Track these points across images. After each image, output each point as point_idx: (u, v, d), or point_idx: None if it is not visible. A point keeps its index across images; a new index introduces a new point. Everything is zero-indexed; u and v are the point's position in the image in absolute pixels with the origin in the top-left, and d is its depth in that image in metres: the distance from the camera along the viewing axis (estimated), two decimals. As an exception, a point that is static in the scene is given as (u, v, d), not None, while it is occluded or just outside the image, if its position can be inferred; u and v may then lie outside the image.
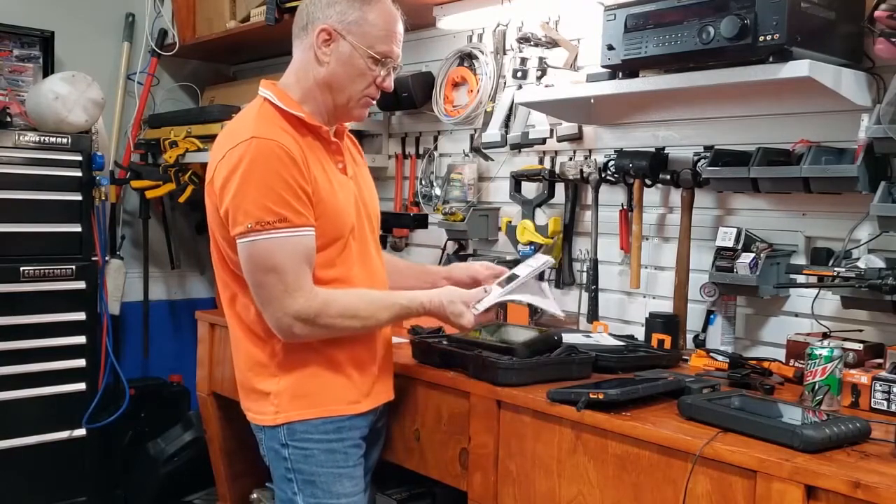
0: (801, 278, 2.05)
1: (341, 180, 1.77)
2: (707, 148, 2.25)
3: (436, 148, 3.11)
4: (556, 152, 2.72)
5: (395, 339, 2.28)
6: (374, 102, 1.83)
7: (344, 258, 1.75)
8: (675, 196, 2.37)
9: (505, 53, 2.80)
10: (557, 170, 2.64)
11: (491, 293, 1.82)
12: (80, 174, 3.09)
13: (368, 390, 1.80)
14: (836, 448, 1.44)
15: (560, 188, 2.67)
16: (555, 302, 1.96)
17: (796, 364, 1.96)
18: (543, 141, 2.66)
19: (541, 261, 1.95)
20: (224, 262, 1.74)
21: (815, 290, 2.05)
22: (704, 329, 2.26)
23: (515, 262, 2.19)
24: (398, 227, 3.06)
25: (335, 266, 1.73)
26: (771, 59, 1.86)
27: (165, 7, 3.74)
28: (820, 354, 1.72)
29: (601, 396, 1.65)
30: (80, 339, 3.10)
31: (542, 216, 2.70)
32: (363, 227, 1.81)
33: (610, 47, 2.13)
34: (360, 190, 1.83)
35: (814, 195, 2.03)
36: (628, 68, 2.15)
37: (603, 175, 2.49)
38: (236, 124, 1.73)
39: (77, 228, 3.09)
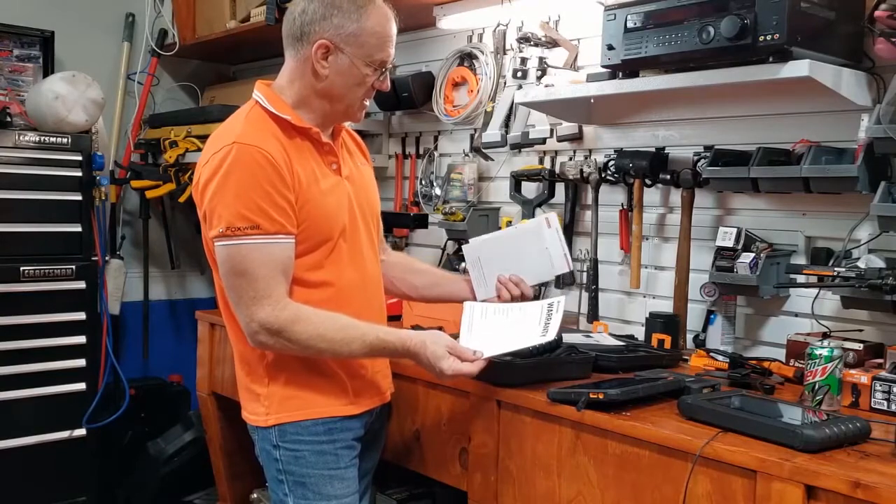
0: (801, 278, 2.05)
1: (333, 182, 1.76)
2: (707, 148, 2.24)
3: (436, 148, 3.11)
4: (556, 152, 2.72)
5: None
6: (370, 103, 1.84)
7: (332, 260, 1.73)
8: (675, 196, 2.37)
9: (505, 53, 2.80)
10: (557, 170, 2.64)
11: (493, 345, 1.75)
12: (80, 174, 3.09)
13: (361, 392, 1.79)
14: (836, 448, 1.44)
15: (560, 188, 2.67)
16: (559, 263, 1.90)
17: (796, 364, 1.96)
18: (543, 141, 2.66)
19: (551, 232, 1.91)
20: (214, 262, 1.75)
21: (815, 290, 2.05)
22: (704, 329, 2.26)
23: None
24: (398, 227, 3.06)
25: (323, 268, 1.72)
26: (771, 59, 1.86)
27: (165, 7, 3.74)
28: (820, 354, 1.72)
29: (601, 396, 1.65)
30: (80, 339, 3.10)
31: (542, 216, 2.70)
32: (356, 228, 1.79)
33: (610, 47, 2.13)
34: (356, 190, 1.82)
35: (814, 195, 2.03)
36: (628, 68, 2.15)
37: (603, 175, 2.49)
38: (224, 128, 1.73)
39: (77, 228, 3.09)
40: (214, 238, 1.64)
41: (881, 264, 1.87)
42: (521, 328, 1.80)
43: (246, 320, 1.65)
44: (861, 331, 2.01)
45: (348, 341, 1.66)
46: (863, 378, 1.73)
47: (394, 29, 1.75)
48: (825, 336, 1.99)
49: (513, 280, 1.95)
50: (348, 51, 1.70)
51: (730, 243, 2.15)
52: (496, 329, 1.81)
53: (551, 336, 1.76)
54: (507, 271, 1.91)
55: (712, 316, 2.24)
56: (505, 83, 2.79)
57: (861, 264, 1.89)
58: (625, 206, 2.49)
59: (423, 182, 3.11)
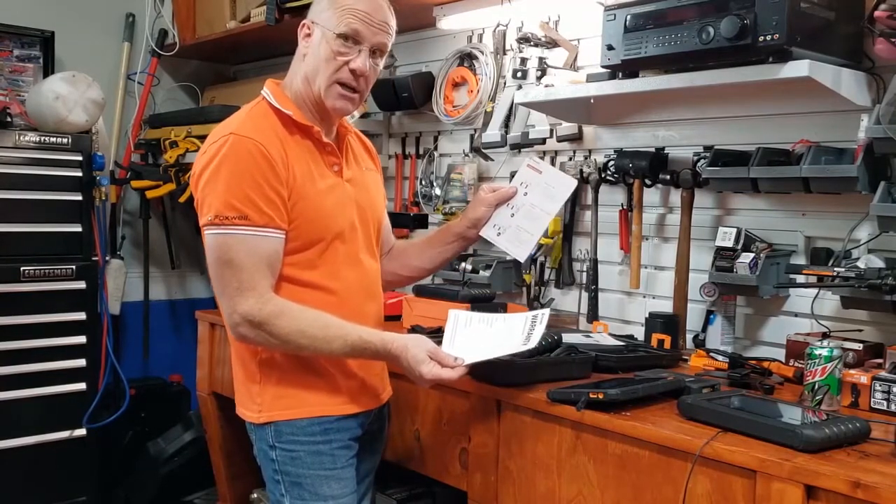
0: (800, 278, 2.05)
1: (333, 182, 1.75)
2: (707, 148, 2.25)
3: (436, 148, 3.11)
4: (556, 152, 2.72)
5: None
6: (352, 93, 1.72)
7: (326, 260, 1.73)
8: (675, 196, 2.37)
9: (505, 53, 2.81)
10: (557, 170, 2.64)
11: (474, 352, 1.72)
12: (80, 174, 3.09)
13: (356, 393, 1.78)
14: (836, 448, 1.44)
15: (560, 188, 2.67)
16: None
17: (796, 364, 1.97)
18: (543, 141, 2.66)
19: (563, 191, 1.88)
20: None
21: (814, 290, 2.05)
22: (704, 329, 2.26)
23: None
24: (398, 227, 3.05)
25: (317, 268, 1.72)
26: (771, 60, 1.86)
27: (165, 7, 3.74)
28: (820, 354, 1.72)
29: (601, 396, 1.65)
30: (81, 339, 3.10)
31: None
32: (355, 231, 1.78)
33: (610, 47, 2.13)
34: (358, 193, 1.81)
35: (814, 195, 2.04)
36: (628, 68, 2.16)
37: (603, 175, 2.49)
38: (226, 121, 1.73)
39: (77, 228, 3.09)
40: (204, 226, 1.65)
41: (881, 264, 1.87)
42: (504, 337, 1.79)
43: (228, 311, 1.64)
44: (861, 331, 2.01)
45: (330, 339, 1.65)
46: (862, 378, 1.73)
47: (372, 8, 1.70)
48: (825, 336, 1.99)
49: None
50: (319, 26, 1.71)
51: (729, 243, 2.15)
52: (479, 337, 1.80)
53: (532, 345, 1.74)
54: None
55: (712, 316, 2.24)
56: (505, 83, 2.79)
57: (861, 264, 1.89)
58: (625, 206, 2.49)
59: (423, 182, 3.11)
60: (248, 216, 1.61)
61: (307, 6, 1.81)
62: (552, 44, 2.62)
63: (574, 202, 2.64)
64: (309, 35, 1.74)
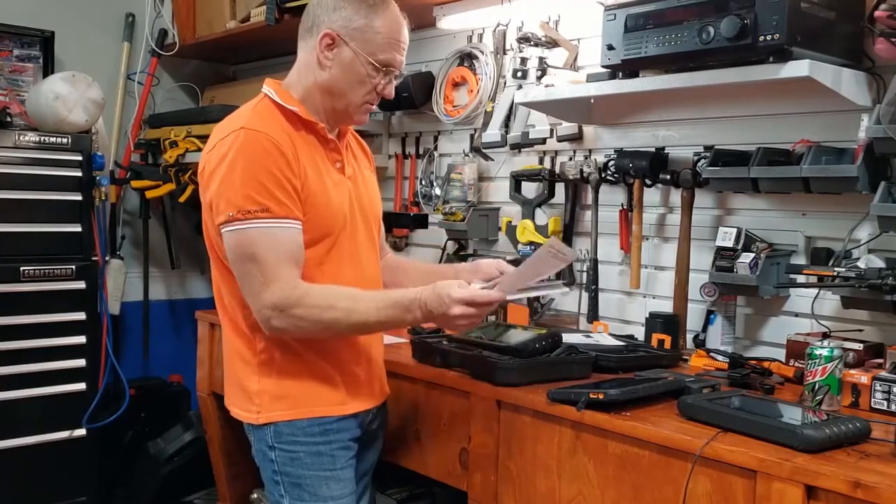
0: (801, 278, 2.05)
1: (336, 179, 1.76)
2: (707, 148, 2.25)
3: (436, 148, 3.11)
4: (556, 152, 2.72)
5: (394, 340, 2.28)
6: (375, 107, 1.82)
7: (332, 256, 1.73)
8: (675, 196, 2.37)
9: (505, 53, 2.81)
10: (557, 170, 2.64)
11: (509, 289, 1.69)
12: (80, 174, 3.09)
13: (355, 392, 1.78)
14: (836, 448, 1.44)
15: (560, 188, 2.67)
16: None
17: (796, 364, 1.97)
18: (543, 141, 2.66)
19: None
20: (215, 255, 1.74)
21: (815, 290, 2.05)
22: (704, 329, 2.26)
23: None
24: (398, 226, 3.06)
25: (324, 264, 1.72)
26: (771, 59, 1.86)
27: (165, 7, 3.74)
28: (820, 354, 1.72)
29: (601, 396, 1.65)
30: (80, 339, 3.09)
31: (542, 216, 2.70)
32: (356, 227, 1.79)
33: (610, 47, 2.14)
34: (358, 191, 1.82)
35: (814, 195, 2.03)
36: (628, 68, 2.16)
37: (603, 175, 2.49)
38: (231, 117, 1.73)
39: (77, 228, 3.09)
40: (222, 224, 1.63)
41: (881, 264, 1.87)
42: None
43: (257, 307, 1.63)
44: (861, 331, 2.01)
45: (361, 310, 1.62)
46: (863, 378, 1.73)
47: (404, 35, 1.74)
48: (825, 336, 1.99)
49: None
50: (352, 45, 1.69)
51: (730, 243, 2.15)
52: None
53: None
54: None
55: (712, 316, 2.24)
56: (505, 83, 2.79)
57: (861, 264, 1.89)
58: (625, 206, 2.49)
59: (423, 182, 3.11)
60: (270, 208, 1.61)
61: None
62: (552, 44, 2.62)
63: (574, 202, 2.64)
64: (332, 46, 1.71)
